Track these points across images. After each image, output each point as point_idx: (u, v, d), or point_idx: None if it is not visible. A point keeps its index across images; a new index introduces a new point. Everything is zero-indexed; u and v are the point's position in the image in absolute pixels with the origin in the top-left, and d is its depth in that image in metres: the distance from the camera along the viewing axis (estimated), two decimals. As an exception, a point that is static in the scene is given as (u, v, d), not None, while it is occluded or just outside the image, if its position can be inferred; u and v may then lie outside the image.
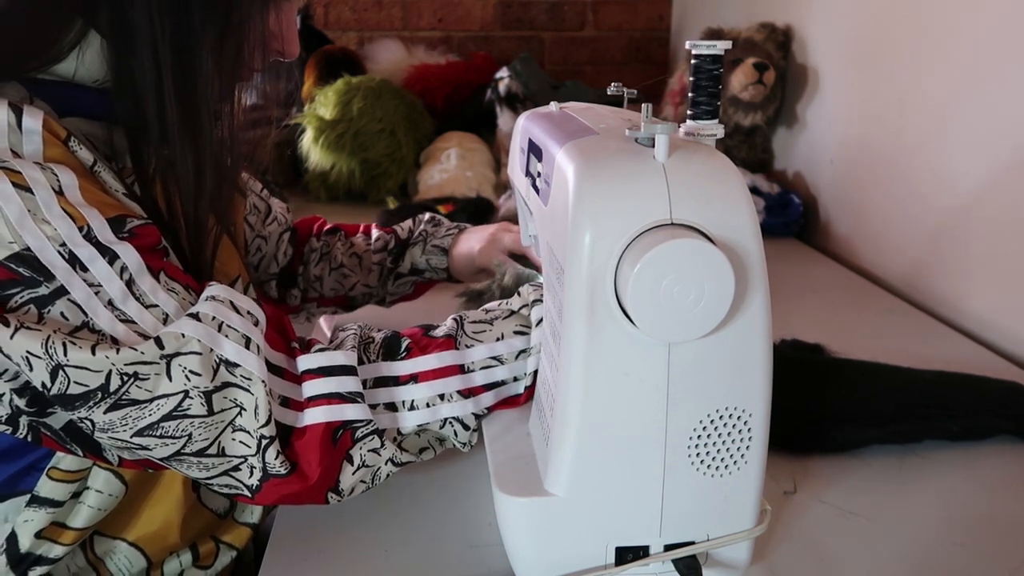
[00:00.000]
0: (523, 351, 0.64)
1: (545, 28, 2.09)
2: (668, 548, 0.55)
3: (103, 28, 0.57)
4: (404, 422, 0.61)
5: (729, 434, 0.53)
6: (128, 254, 0.53)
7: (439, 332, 0.64)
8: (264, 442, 0.54)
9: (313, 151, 1.59)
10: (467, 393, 0.62)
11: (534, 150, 0.64)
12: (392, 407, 0.61)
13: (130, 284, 0.53)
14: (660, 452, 0.52)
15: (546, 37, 2.10)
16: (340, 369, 0.58)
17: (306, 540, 0.63)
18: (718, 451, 0.53)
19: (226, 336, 0.54)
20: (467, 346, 0.63)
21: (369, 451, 0.59)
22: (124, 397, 0.51)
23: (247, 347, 0.54)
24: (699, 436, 0.53)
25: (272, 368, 0.56)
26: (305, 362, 0.58)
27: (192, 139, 0.58)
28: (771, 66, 1.42)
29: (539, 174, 0.61)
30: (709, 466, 0.53)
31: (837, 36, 1.35)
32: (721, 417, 0.52)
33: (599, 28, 2.11)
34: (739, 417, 0.53)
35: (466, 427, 0.63)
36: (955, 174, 1.06)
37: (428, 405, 0.61)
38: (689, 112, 0.54)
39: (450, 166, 1.57)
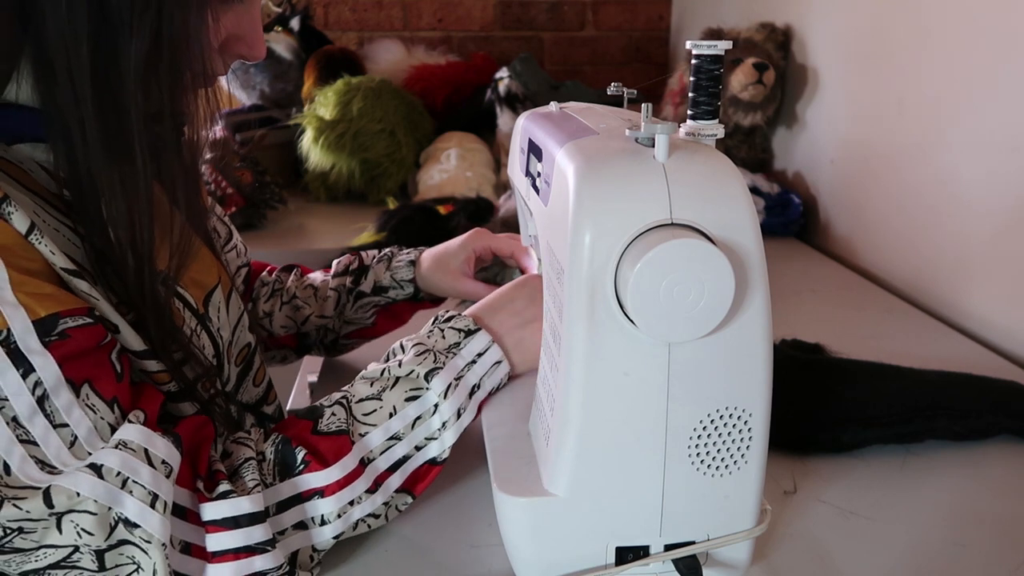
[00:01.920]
0: (417, 418, 0.61)
1: (545, 28, 2.09)
2: (668, 548, 0.55)
3: (26, 54, 0.53)
4: (317, 539, 0.58)
5: (729, 434, 0.53)
6: (46, 367, 0.48)
7: (330, 426, 0.59)
8: None
9: (313, 151, 1.59)
10: (374, 488, 0.59)
11: (534, 150, 0.64)
12: (302, 526, 0.57)
13: (42, 401, 0.48)
14: (660, 452, 0.52)
15: (546, 37, 2.10)
16: (247, 519, 0.53)
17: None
18: (718, 451, 0.53)
19: (130, 493, 0.49)
20: (361, 435, 0.59)
21: None
22: (7, 545, 0.48)
23: (152, 506, 0.50)
24: (699, 436, 0.53)
25: (175, 510, 0.52)
26: (210, 511, 0.53)
27: (119, 167, 0.53)
28: (771, 66, 1.42)
29: (539, 174, 0.61)
30: (709, 466, 0.53)
31: (837, 36, 1.35)
32: (721, 417, 0.52)
33: (599, 28, 2.11)
34: (739, 417, 0.53)
35: (377, 516, 0.60)
36: (955, 174, 1.06)
37: (339, 515, 0.58)
38: (689, 112, 0.54)
39: (450, 166, 1.57)
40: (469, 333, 0.65)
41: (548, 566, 0.55)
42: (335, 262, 0.89)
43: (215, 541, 0.53)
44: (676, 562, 0.55)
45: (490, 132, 1.71)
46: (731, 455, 0.53)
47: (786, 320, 1.00)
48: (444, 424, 0.61)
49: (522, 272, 0.85)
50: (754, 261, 0.50)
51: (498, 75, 1.70)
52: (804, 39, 1.45)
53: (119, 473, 0.49)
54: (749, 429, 0.53)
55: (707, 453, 0.53)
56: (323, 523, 0.58)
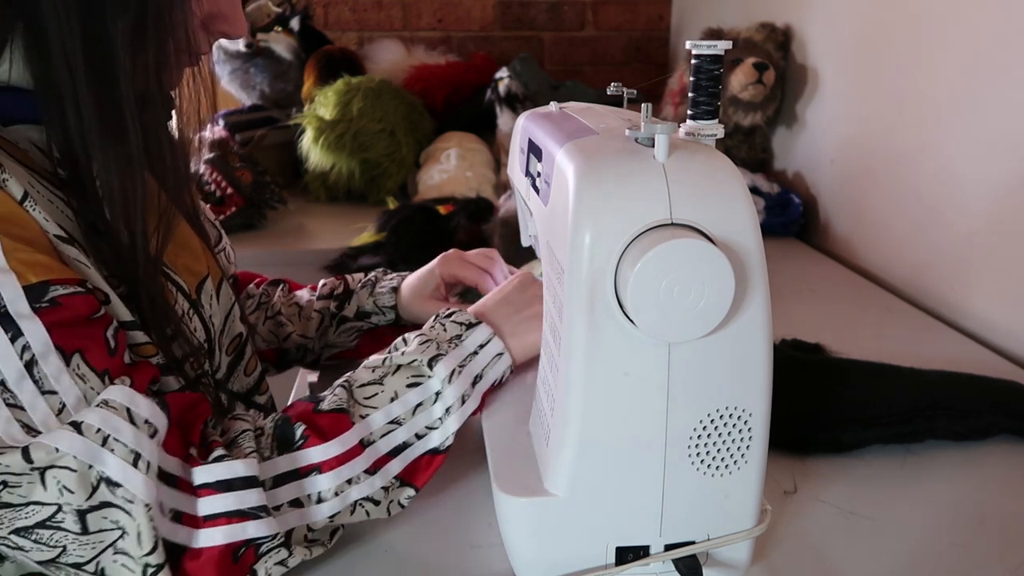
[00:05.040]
0: (419, 404, 0.61)
1: (545, 28, 2.09)
2: (668, 548, 0.55)
3: (18, 31, 0.53)
4: (314, 516, 0.57)
5: (729, 434, 0.53)
6: (35, 332, 0.48)
7: (330, 405, 0.59)
8: (151, 570, 0.49)
9: (313, 151, 1.59)
10: (373, 469, 0.58)
11: (534, 150, 0.64)
12: (298, 503, 0.56)
13: (30, 365, 0.48)
14: (660, 452, 0.52)
15: (546, 37, 2.10)
16: (241, 482, 0.53)
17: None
18: (718, 451, 0.53)
19: (111, 451, 0.48)
20: (362, 416, 0.59)
21: (276, 563, 0.54)
22: None
23: (135, 464, 0.49)
24: (699, 436, 0.52)
25: (165, 477, 0.51)
26: (201, 474, 0.52)
27: (114, 145, 0.54)
28: (771, 66, 1.42)
29: (539, 174, 0.61)
30: (709, 466, 0.53)
31: (837, 36, 1.35)
32: (721, 417, 0.52)
33: (599, 28, 2.11)
34: (739, 417, 0.53)
35: (376, 503, 0.59)
36: (955, 174, 1.06)
37: (336, 494, 0.57)
38: (689, 112, 0.54)
39: (450, 166, 1.57)
40: (471, 326, 0.66)
41: (548, 566, 0.55)
42: (321, 283, 0.89)
43: (206, 505, 0.52)
44: (676, 562, 0.55)
45: (490, 132, 1.71)
46: (731, 455, 0.53)
47: (786, 320, 1.00)
48: (448, 410, 0.61)
49: None
50: (754, 261, 0.50)
51: (498, 75, 1.70)
52: (804, 39, 1.45)
53: (99, 430, 0.49)
54: (749, 429, 0.53)
55: (707, 453, 0.53)
56: (319, 500, 0.57)
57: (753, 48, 1.45)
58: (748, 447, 0.53)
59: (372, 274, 0.90)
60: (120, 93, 0.53)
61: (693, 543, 0.55)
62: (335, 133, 1.58)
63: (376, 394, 0.61)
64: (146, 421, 0.51)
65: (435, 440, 0.61)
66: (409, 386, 0.61)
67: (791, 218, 1.40)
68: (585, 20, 2.10)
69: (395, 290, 0.87)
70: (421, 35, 2.03)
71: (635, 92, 0.63)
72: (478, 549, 0.62)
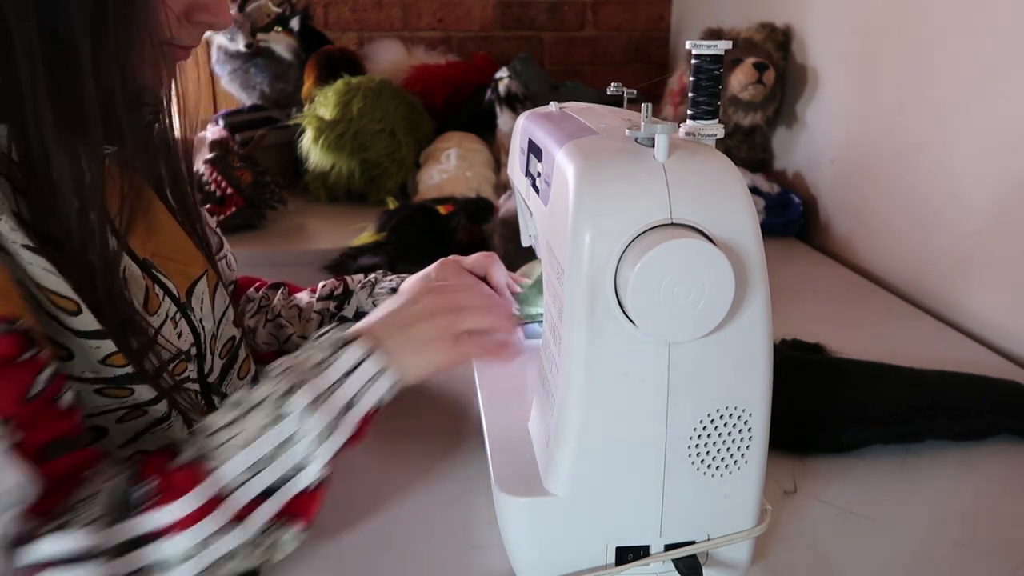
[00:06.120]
0: (279, 445, 0.54)
1: (545, 28, 2.09)
2: (668, 548, 0.55)
3: None
4: None
5: (729, 434, 0.53)
6: None
7: (184, 456, 0.53)
8: None
9: (313, 151, 1.59)
10: (237, 519, 0.52)
11: (534, 150, 0.64)
12: (145, 572, 0.50)
13: None
14: (660, 452, 0.52)
15: (546, 37, 2.10)
16: (74, 557, 0.48)
17: (306, 539, 0.62)
18: (718, 451, 0.53)
19: None
20: (215, 468, 0.52)
21: None
22: None
23: None
24: (699, 436, 0.53)
25: (15, 547, 0.48)
26: (31, 553, 0.48)
27: (72, 135, 0.52)
28: (771, 66, 1.42)
29: (539, 174, 0.61)
30: (709, 466, 0.53)
31: (837, 36, 1.35)
32: (721, 417, 0.52)
33: (599, 28, 2.11)
34: (739, 417, 0.53)
35: (255, 547, 0.53)
36: (955, 174, 1.06)
37: (188, 558, 0.50)
38: (689, 112, 0.54)
39: (450, 166, 1.57)
40: (343, 346, 0.58)
41: (548, 566, 0.55)
42: (321, 284, 0.89)
43: None
44: (676, 562, 0.55)
45: (490, 132, 1.71)
46: (731, 455, 0.53)
47: (786, 320, 1.00)
48: (314, 446, 0.54)
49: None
50: (754, 261, 0.50)
51: (498, 75, 1.70)
52: (804, 39, 1.45)
53: None
54: (749, 429, 0.53)
55: (707, 453, 0.53)
56: (168, 568, 0.50)
57: (753, 48, 1.45)
58: (748, 447, 0.53)
59: (372, 275, 0.90)
60: (81, 82, 0.52)
61: (693, 543, 0.55)
62: (335, 133, 1.58)
63: (230, 439, 0.54)
64: (8, 491, 0.48)
65: (305, 480, 0.55)
66: (264, 426, 0.54)
67: (791, 218, 1.40)
68: (585, 20, 2.10)
69: (394, 291, 0.87)
70: (421, 35, 2.03)
71: (635, 92, 0.63)
72: (478, 549, 0.62)
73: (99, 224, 0.55)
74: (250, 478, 0.53)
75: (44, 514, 0.49)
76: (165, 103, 0.62)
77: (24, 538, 0.48)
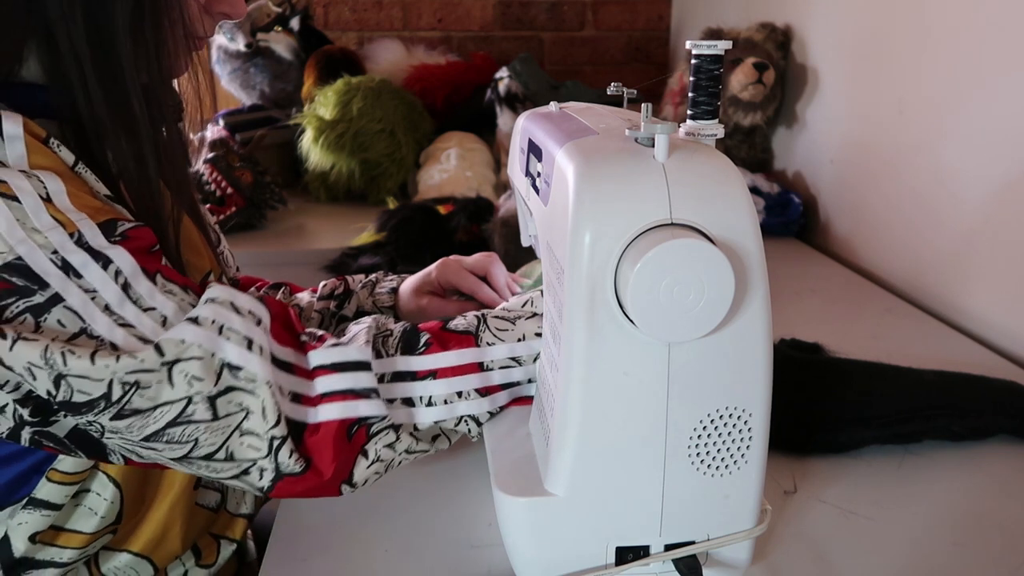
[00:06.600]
0: (536, 354, 0.63)
1: (545, 28, 2.09)
2: (668, 548, 0.55)
3: (32, 30, 0.56)
4: (420, 418, 0.60)
5: (729, 434, 0.53)
6: (122, 258, 0.52)
7: (459, 325, 0.63)
8: (276, 442, 0.54)
9: (313, 151, 1.59)
10: (484, 392, 0.62)
11: (534, 150, 0.64)
12: (409, 402, 0.60)
13: (126, 288, 0.52)
14: (660, 452, 0.52)
15: (546, 37, 2.10)
16: (353, 365, 0.57)
17: (307, 539, 0.63)
18: (718, 451, 0.53)
19: (227, 339, 0.53)
20: (488, 343, 0.62)
21: (384, 446, 0.58)
22: (127, 407, 0.51)
23: (249, 349, 0.53)
24: (699, 436, 0.53)
25: (280, 364, 0.56)
26: (317, 357, 0.57)
27: (126, 129, 0.57)
28: (771, 66, 1.42)
29: (539, 174, 0.61)
30: (709, 466, 0.53)
31: (837, 36, 1.35)
32: (721, 417, 0.52)
33: (599, 28, 2.11)
34: (739, 417, 0.53)
35: (479, 423, 0.63)
36: (955, 174, 1.06)
37: (446, 402, 0.61)
38: (689, 112, 0.54)
39: (450, 166, 1.57)
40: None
41: (548, 566, 0.55)
42: (322, 284, 0.90)
43: (322, 384, 0.57)
44: (676, 562, 0.55)
45: (490, 132, 1.71)
46: (731, 455, 0.53)
47: (786, 320, 1.00)
48: (532, 373, 0.64)
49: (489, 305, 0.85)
50: (754, 261, 0.50)
51: (498, 75, 1.70)
52: (804, 39, 1.45)
53: (214, 321, 0.53)
54: (749, 429, 0.53)
55: (707, 453, 0.53)
56: (430, 404, 0.61)
57: (753, 48, 1.45)
58: (748, 447, 0.53)
59: (373, 275, 0.91)
60: (126, 83, 0.56)
61: (693, 543, 0.55)
62: (335, 133, 1.58)
63: (506, 330, 0.64)
64: (249, 311, 0.55)
65: (529, 390, 0.64)
66: (538, 335, 0.63)
67: (791, 218, 1.40)
68: (585, 20, 2.10)
69: (395, 291, 0.87)
70: (421, 35, 2.04)
71: (635, 92, 0.63)
72: (478, 549, 0.62)
73: (156, 199, 0.59)
74: (508, 367, 0.63)
75: (284, 341, 0.57)
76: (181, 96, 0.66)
77: (300, 347, 0.58)
